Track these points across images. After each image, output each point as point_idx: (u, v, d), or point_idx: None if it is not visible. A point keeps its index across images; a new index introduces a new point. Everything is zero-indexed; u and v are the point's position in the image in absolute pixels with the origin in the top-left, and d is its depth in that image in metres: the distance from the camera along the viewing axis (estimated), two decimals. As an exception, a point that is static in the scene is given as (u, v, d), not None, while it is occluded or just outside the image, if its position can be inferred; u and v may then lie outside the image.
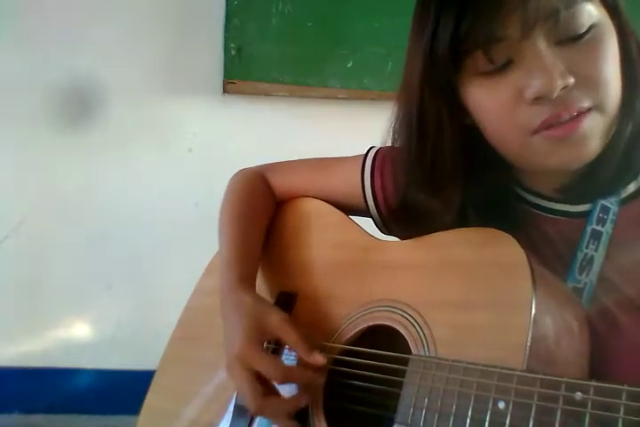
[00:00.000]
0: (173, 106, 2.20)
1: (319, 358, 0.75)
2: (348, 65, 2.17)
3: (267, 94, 2.18)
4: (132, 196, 2.20)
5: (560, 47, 0.64)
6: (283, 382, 0.74)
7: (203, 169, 2.17)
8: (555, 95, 0.63)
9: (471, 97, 0.69)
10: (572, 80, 0.63)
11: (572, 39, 0.64)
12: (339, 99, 2.21)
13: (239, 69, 2.13)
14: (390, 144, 0.80)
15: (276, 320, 0.78)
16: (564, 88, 0.63)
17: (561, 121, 0.64)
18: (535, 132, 0.66)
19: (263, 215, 0.97)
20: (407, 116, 0.75)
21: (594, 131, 0.65)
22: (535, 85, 0.63)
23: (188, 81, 2.21)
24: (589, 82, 0.64)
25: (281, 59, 2.13)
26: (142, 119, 2.19)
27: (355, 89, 2.19)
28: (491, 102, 0.68)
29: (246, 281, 0.87)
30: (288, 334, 0.77)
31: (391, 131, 0.79)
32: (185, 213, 2.15)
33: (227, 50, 2.12)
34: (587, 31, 0.64)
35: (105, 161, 2.18)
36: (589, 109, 0.64)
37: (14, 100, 2.11)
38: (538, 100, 0.64)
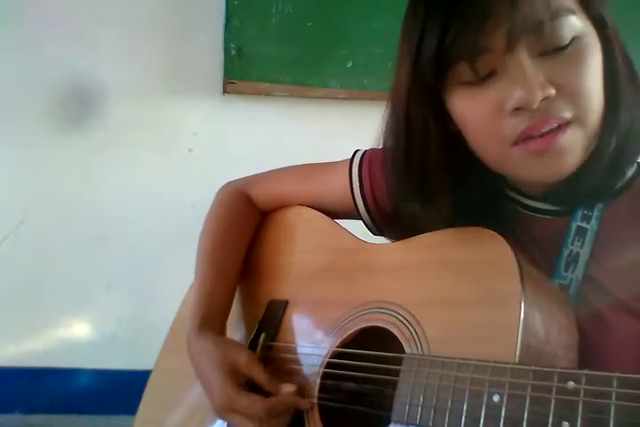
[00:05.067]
0: (173, 106, 2.20)
1: (287, 389, 0.77)
2: (348, 65, 2.18)
3: (267, 94, 2.18)
4: (132, 196, 2.20)
5: (543, 58, 0.64)
6: (270, 417, 0.75)
7: (203, 169, 2.17)
8: (535, 106, 0.63)
9: (455, 106, 0.70)
10: (552, 91, 0.63)
11: (555, 50, 0.64)
12: (339, 99, 2.21)
13: (239, 69, 2.13)
14: (380, 145, 0.80)
15: (244, 362, 0.80)
16: (544, 99, 0.63)
17: (540, 133, 0.64)
18: (515, 143, 0.66)
19: (240, 239, 0.98)
20: (395, 121, 0.75)
21: (573, 144, 0.65)
22: (516, 96, 0.64)
23: (188, 81, 2.21)
24: (571, 93, 0.64)
25: (281, 59, 2.14)
26: (142, 119, 2.19)
27: (355, 89, 2.19)
28: (473, 113, 0.68)
29: (211, 321, 0.88)
30: (256, 374, 0.80)
31: (381, 132, 0.78)
32: (185, 212, 2.15)
33: (227, 50, 2.12)
34: (570, 43, 0.64)
35: (105, 161, 2.18)
36: (569, 122, 0.64)
37: (14, 99, 2.12)
38: (518, 111, 0.64)
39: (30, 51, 2.11)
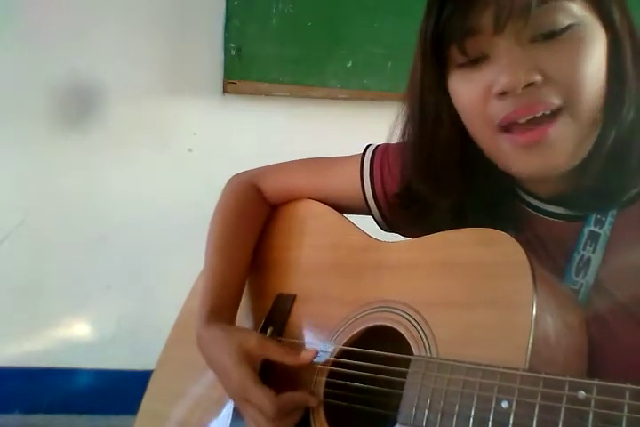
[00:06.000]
0: (173, 106, 2.20)
1: (307, 356, 0.77)
2: (348, 65, 2.17)
3: (267, 94, 2.18)
4: (132, 196, 2.19)
5: (533, 44, 0.64)
6: (279, 416, 0.75)
7: (203, 169, 2.17)
8: (519, 91, 0.63)
9: (451, 90, 0.71)
10: (538, 77, 0.63)
11: (547, 37, 0.64)
12: (339, 99, 2.21)
13: (239, 69, 2.13)
14: (399, 139, 0.81)
15: (255, 343, 0.80)
16: (528, 85, 0.63)
17: (523, 121, 0.64)
18: (503, 130, 0.66)
19: (251, 231, 0.97)
20: (411, 110, 0.76)
21: (563, 138, 0.65)
22: (501, 81, 0.64)
23: (188, 81, 2.21)
24: (561, 81, 0.64)
25: (281, 59, 2.13)
26: (142, 119, 2.19)
27: (355, 89, 2.19)
28: (465, 95, 0.69)
29: (219, 313, 0.87)
30: (271, 351, 0.79)
31: (399, 126, 0.79)
32: (185, 213, 2.15)
33: (227, 50, 2.12)
34: (564, 29, 0.64)
35: (105, 161, 2.18)
36: (559, 111, 0.64)
37: (14, 99, 2.11)
38: (503, 95, 0.65)
39: (30, 51, 2.11)
